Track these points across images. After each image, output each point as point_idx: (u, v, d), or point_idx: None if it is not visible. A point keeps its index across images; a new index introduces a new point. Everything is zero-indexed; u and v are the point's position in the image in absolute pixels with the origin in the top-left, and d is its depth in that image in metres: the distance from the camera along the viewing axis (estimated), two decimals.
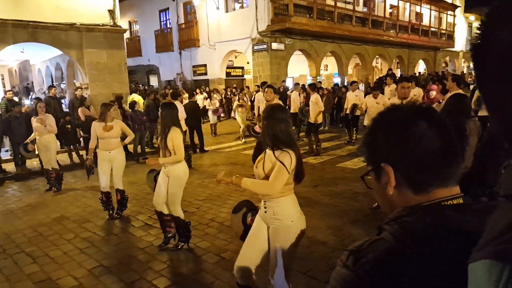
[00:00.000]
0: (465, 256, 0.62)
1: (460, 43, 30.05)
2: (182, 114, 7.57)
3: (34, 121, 6.99)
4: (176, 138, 4.06)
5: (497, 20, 0.55)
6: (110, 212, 5.53)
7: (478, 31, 0.58)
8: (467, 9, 30.72)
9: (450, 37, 26.87)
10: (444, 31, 26.01)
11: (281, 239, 2.56)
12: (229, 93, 17.76)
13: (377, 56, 22.93)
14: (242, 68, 20.44)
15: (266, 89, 6.61)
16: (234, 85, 18.56)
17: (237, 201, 5.99)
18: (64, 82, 16.43)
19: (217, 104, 13.68)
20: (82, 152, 9.61)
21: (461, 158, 0.86)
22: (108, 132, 5.33)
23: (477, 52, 0.60)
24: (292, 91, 12.26)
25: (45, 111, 7.12)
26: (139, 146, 9.85)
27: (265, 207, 2.67)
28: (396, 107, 0.90)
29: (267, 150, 2.58)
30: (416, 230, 0.74)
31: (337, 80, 20.99)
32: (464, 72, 29.02)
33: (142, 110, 10.44)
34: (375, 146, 0.89)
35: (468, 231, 0.69)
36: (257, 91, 14.44)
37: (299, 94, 11.99)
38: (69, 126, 8.99)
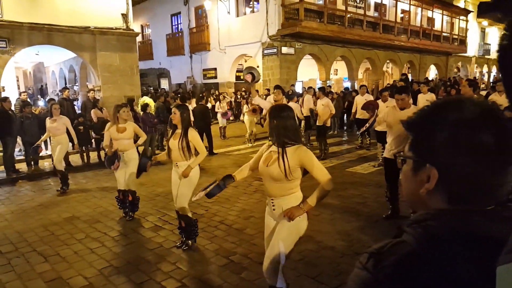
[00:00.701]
0: (492, 262, 0.61)
1: (473, 48, 29.71)
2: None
3: (48, 122, 7.11)
4: (195, 138, 4.22)
5: None
6: (126, 210, 5.61)
7: (506, 33, 0.57)
8: (480, 14, 30.28)
9: (463, 42, 26.56)
10: (456, 36, 25.73)
11: (285, 232, 2.66)
12: (239, 97, 17.83)
13: (387, 61, 22.79)
14: None
15: (274, 90, 6.68)
16: (243, 89, 18.62)
17: (246, 203, 6.04)
18: (77, 84, 16.69)
19: (226, 108, 13.74)
20: (93, 153, 9.75)
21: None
22: (121, 133, 5.43)
23: (504, 54, 0.58)
24: (303, 94, 12.23)
25: (60, 113, 7.26)
26: (149, 148, 9.94)
27: (273, 205, 2.75)
28: (462, 101, 0.78)
29: (277, 148, 2.66)
30: (441, 235, 0.72)
31: (347, 84, 20.92)
32: (477, 77, 28.70)
33: (153, 113, 10.55)
34: (428, 143, 0.78)
35: (496, 238, 0.67)
36: (267, 95, 14.49)
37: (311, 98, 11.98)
38: (81, 127, 9.12)
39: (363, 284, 0.74)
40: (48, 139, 9.53)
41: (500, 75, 0.61)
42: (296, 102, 9.91)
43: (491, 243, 0.67)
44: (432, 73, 27.97)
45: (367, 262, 0.75)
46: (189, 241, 4.47)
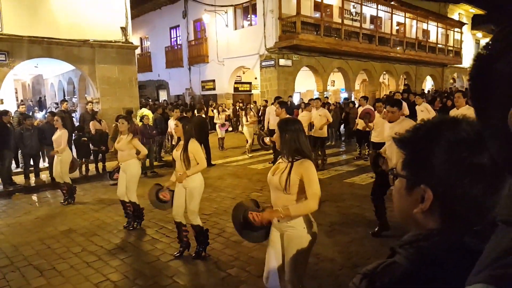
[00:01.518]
0: None
1: (468, 59, 30.06)
2: None
3: (55, 134, 7.22)
4: (195, 149, 4.26)
5: (497, 52, 0.54)
6: (129, 220, 5.64)
7: (475, 63, 0.57)
8: (474, 26, 30.84)
9: (458, 53, 26.89)
10: (451, 48, 26.05)
11: (295, 246, 2.65)
12: (237, 108, 17.90)
13: (384, 72, 23.00)
14: (250, 83, 20.64)
15: (275, 102, 6.84)
16: (241, 100, 18.75)
17: None
18: (75, 96, 16.74)
19: (224, 119, 13.78)
20: (91, 165, 9.73)
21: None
22: (117, 144, 5.53)
23: (477, 82, 0.58)
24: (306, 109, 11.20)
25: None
26: (147, 160, 9.92)
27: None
28: (458, 121, 0.77)
29: (285, 160, 2.72)
30: (433, 255, 0.72)
31: (344, 95, 21.07)
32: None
33: (151, 124, 10.56)
34: (423, 163, 0.77)
35: None
36: (264, 106, 14.55)
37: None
38: (85, 139, 9.15)
39: None
40: (44, 152, 9.59)
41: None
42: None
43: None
44: (428, 84, 28.21)
45: (360, 283, 0.76)
46: (202, 250, 4.49)
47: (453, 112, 6.00)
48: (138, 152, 5.62)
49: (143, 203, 5.71)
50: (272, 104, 9.65)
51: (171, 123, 9.97)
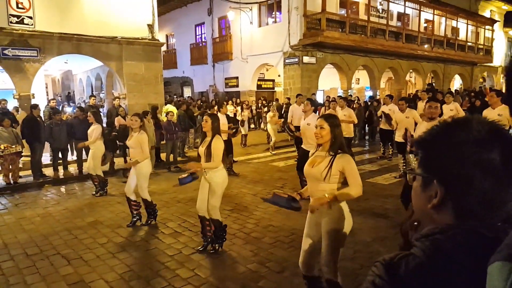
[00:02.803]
0: None
1: (499, 58, 28.97)
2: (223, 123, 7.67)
3: (90, 128, 7.48)
4: (217, 147, 4.31)
5: None
6: (132, 218, 5.68)
7: None
8: (507, 23, 29.63)
9: (488, 52, 25.93)
10: (481, 46, 25.14)
11: (333, 232, 2.88)
12: (259, 105, 17.93)
13: (410, 70, 22.47)
14: (273, 80, 20.63)
15: (304, 101, 6.86)
16: (263, 97, 18.79)
17: (265, 212, 6.04)
18: (103, 91, 17.17)
19: (246, 118, 13.84)
20: (119, 159, 9.97)
21: None
22: (128, 141, 5.59)
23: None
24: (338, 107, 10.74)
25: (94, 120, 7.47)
26: (171, 155, 10.10)
27: None
28: (469, 121, 0.81)
29: (325, 153, 2.93)
30: (447, 248, 0.75)
31: (369, 93, 20.74)
32: (503, 88, 27.91)
33: (175, 121, 10.72)
34: (436, 161, 0.82)
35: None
36: (287, 104, 14.48)
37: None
38: (115, 133, 9.41)
39: None
40: (72, 146, 9.91)
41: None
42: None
43: None
44: (456, 83, 27.37)
45: (379, 271, 0.80)
46: (216, 245, 4.56)
47: (487, 112, 5.81)
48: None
49: (156, 199, 5.78)
50: (295, 102, 9.56)
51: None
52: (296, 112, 8.70)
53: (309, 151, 6.24)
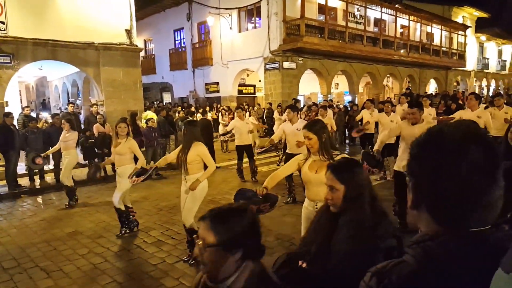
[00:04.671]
0: (486, 281, 0.65)
1: (472, 62, 30.02)
2: None
3: (62, 135, 7.29)
4: (203, 152, 4.28)
5: None
6: (130, 225, 5.57)
7: None
8: (478, 29, 30.78)
9: (462, 56, 26.83)
10: (455, 51, 26.00)
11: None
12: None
13: (388, 75, 23.00)
14: (254, 86, 20.69)
15: (286, 109, 6.81)
16: (245, 102, 18.76)
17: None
18: (79, 98, 16.81)
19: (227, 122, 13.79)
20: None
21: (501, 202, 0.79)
22: (114, 148, 5.45)
23: None
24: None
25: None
26: (152, 162, 9.93)
27: (316, 208, 2.91)
28: (442, 129, 0.83)
29: (324, 157, 2.93)
30: (439, 255, 0.75)
31: (348, 98, 21.06)
32: (476, 91, 28.89)
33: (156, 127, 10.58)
34: (415, 163, 0.84)
35: (490, 257, 0.70)
36: (269, 109, 14.51)
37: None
38: (92, 140, 9.19)
39: None
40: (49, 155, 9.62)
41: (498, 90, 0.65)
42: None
43: (485, 263, 0.70)
44: (432, 87, 28.16)
45: (370, 280, 0.79)
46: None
47: (463, 113, 6.02)
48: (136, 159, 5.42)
49: (138, 207, 5.67)
50: (270, 109, 9.47)
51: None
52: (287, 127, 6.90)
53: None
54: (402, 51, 21.06)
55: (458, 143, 0.77)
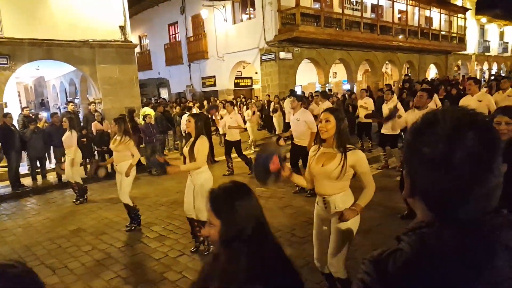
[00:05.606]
0: (481, 269, 0.67)
1: (472, 46, 29.56)
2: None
3: (64, 135, 7.32)
4: (200, 147, 4.27)
5: None
6: (130, 223, 5.65)
7: None
8: (478, 11, 30.24)
9: (462, 40, 26.46)
10: (455, 35, 25.63)
11: (342, 227, 2.82)
12: (238, 103, 17.86)
13: (386, 62, 22.84)
14: (251, 78, 20.62)
15: (289, 97, 6.82)
16: (242, 95, 18.73)
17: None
18: (78, 97, 16.79)
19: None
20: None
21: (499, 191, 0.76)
22: (112, 145, 5.56)
23: None
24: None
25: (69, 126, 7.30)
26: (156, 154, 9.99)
27: (324, 204, 2.90)
28: (436, 116, 0.79)
29: (336, 150, 2.78)
30: (434, 243, 0.75)
31: (346, 86, 20.99)
32: (477, 75, 28.63)
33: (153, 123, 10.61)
34: (407, 154, 0.83)
35: (486, 245, 0.72)
36: (268, 101, 14.45)
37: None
38: (84, 139, 9.20)
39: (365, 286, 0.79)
40: (50, 154, 9.68)
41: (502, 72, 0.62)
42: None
43: (483, 250, 0.71)
44: (432, 72, 27.92)
45: (367, 268, 0.80)
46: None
47: (466, 100, 5.97)
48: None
49: (139, 203, 5.73)
50: (288, 97, 9.47)
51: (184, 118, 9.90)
52: (287, 108, 8.00)
53: (301, 146, 6.25)
54: (400, 36, 20.91)
55: (452, 130, 0.74)
